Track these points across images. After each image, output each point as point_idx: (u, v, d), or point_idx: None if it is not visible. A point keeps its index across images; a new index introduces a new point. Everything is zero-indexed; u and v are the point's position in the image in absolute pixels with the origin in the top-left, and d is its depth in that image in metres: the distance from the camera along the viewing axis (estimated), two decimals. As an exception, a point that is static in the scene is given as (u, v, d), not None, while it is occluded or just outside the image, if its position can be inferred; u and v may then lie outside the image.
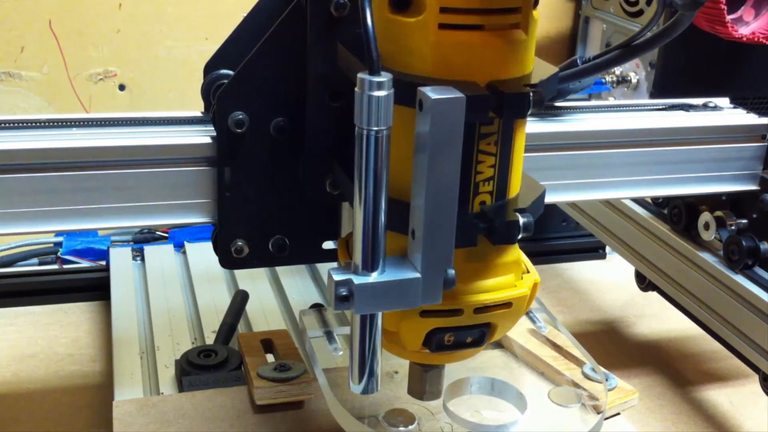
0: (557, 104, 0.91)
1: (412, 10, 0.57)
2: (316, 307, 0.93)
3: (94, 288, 1.20)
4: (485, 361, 0.88)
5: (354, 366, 0.59)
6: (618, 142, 0.90)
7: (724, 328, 1.01)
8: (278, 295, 1.11)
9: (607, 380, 0.85)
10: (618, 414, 0.87)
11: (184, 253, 1.22)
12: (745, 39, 1.10)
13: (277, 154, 0.74)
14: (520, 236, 0.59)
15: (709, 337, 1.06)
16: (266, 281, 1.14)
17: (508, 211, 0.60)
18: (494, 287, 0.62)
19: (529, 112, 0.56)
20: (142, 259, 1.21)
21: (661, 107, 0.96)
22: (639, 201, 1.16)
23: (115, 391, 0.88)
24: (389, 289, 0.55)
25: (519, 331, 0.91)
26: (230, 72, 0.76)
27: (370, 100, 0.51)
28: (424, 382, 0.69)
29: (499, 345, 0.92)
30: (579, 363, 0.87)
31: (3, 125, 0.75)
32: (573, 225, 1.46)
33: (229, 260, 0.77)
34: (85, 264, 1.25)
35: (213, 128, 0.74)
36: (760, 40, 1.11)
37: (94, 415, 0.93)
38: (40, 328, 1.11)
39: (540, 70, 0.61)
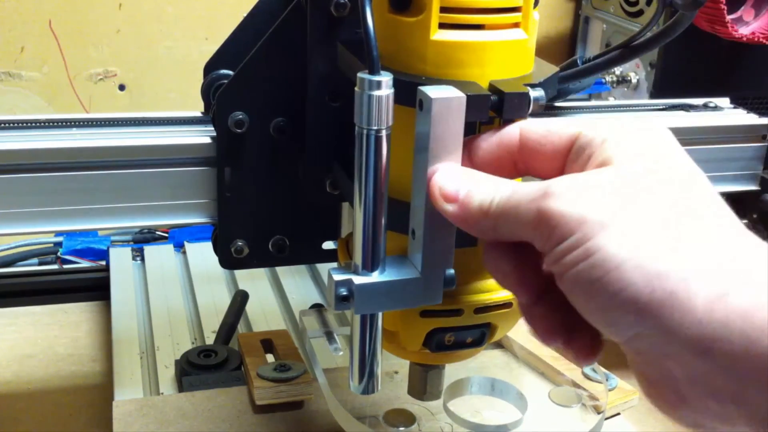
0: (557, 104, 0.91)
1: (412, 10, 0.57)
2: (316, 307, 0.93)
3: (94, 288, 1.20)
4: (485, 361, 0.88)
5: (354, 366, 0.59)
6: (618, 142, 0.89)
7: (724, 328, 1.01)
8: (278, 295, 1.11)
9: (607, 380, 0.85)
10: (618, 414, 0.87)
11: (184, 253, 1.22)
12: (745, 39, 1.11)
13: (277, 155, 0.74)
14: (520, 236, 0.59)
15: (710, 337, 1.05)
16: (266, 281, 1.14)
17: (508, 211, 0.60)
18: (494, 287, 0.62)
19: (529, 112, 0.56)
20: (142, 259, 1.20)
21: (661, 107, 0.96)
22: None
23: (115, 391, 0.88)
24: (389, 289, 0.55)
25: (519, 331, 0.91)
26: (230, 72, 0.76)
27: (370, 99, 0.51)
28: (424, 382, 0.69)
29: (499, 345, 0.92)
30: (579, 363, 0.87)
31: (3, 125, 0.75)
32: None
33: (229, 260, 0.77)
34: (85, 264, 1.25)
35: (213, 128, 0.74)
36: (760, 40, 1.11)
37: (94, 415, 0.93)
38: (40, 328, 1.10)
39: (540, 70, 0.61)
